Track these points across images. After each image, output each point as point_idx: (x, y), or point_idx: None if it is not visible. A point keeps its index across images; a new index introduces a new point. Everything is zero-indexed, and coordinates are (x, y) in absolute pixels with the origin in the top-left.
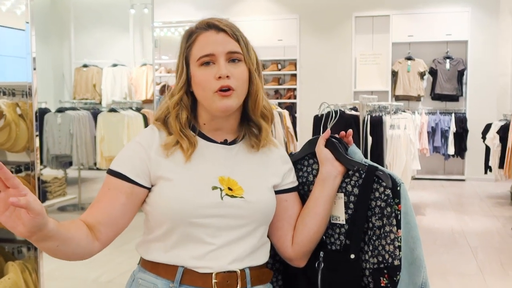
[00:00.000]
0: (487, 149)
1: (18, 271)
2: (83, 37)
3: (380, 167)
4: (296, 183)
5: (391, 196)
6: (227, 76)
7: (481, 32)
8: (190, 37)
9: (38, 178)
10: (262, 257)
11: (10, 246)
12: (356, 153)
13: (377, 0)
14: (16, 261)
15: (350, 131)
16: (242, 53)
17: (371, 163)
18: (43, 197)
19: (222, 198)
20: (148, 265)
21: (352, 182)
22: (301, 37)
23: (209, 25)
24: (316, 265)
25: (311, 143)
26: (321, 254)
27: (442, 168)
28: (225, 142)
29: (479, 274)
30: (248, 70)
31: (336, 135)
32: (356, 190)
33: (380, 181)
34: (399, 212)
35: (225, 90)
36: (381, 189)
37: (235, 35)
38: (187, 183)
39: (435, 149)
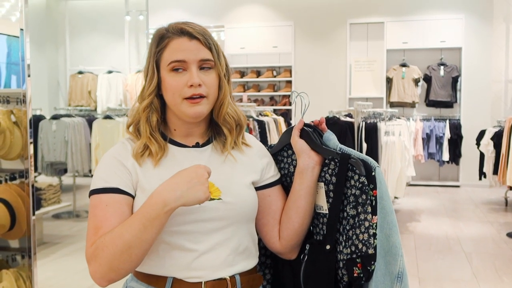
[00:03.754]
0: (481, 156)
1: (12, 279)
2: (78, 43)
3: (353, 153)
4: (278, 176)
5: (366, 183)
6: (199, 85)
7: (475, 39)
8: (162, 40)
9: (32, 186)
10: (251, 260)
11: (4, 254)
12: (330, 139)
13: (372, 7)
14: (10, 269)
15: (323, 118)
16: (213, 60)
17: (346, 149)
18: (37, 204)
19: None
20: (139, 275)
21: (330, 171)
22: (296, 43)
23: (183, 32)
24: (302, 257)
25: (288, 133)
26: (307, 246)
27: (437, 175)
28: (197, 145)
29: (474, 280)
30: (218, 76)
31: (310, 123)
32: (334, 179)
33: (354, 168)
34: (374, 198)
35: (195, 97)
36: (356, 176)
37: (208, 43)
38: None
39: (430, 156)
